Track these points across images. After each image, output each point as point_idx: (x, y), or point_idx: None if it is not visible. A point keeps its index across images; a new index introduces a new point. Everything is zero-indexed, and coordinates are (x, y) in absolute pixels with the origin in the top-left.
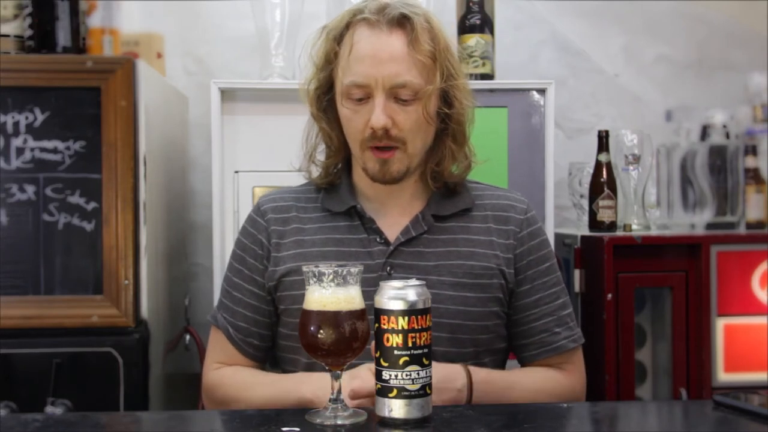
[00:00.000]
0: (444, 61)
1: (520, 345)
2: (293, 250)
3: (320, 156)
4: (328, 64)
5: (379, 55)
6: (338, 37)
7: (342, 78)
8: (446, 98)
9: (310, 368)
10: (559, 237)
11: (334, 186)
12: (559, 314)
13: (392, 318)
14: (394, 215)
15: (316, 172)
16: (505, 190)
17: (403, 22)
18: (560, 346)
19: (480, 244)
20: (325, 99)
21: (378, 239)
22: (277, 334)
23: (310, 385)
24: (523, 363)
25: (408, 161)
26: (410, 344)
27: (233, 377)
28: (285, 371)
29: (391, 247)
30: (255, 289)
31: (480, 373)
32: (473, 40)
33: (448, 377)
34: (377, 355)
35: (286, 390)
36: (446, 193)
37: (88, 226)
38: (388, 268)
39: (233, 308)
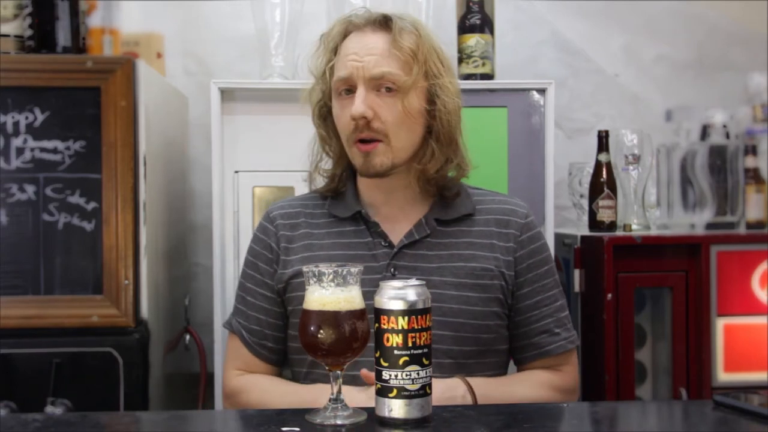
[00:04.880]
0: (427, 61)
1: (521, 346)
2: (302, 253)
3: (324, 166)
4: (326, 74)
5: (360, 51)
6: (334, 48)
7: (332, 80)
8: (431, 97)
9: (314, 367)
10: (559, 237)
11: (339, 193)
12: (558, 316)
13: (392, 318)
14: (398, 220)
15: (321, 182)
16: (506, 195)
17: (386, 23)
18: (560, 346)
19: (481, 247)
20: (325, 108)
21: (383, 242)
22: (287, 335)
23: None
24: (521, 364)
25: (392, 155)
26: (410, 344)
27: (255, 384)
28: (293, 371)
29: (395, 249)
30: (267, 292)
31: (477, 380)
32: (473, 40)
33: (449, 386)
34: (377, 355)
35: (307, 402)
36: (448, 198)
37: (88, 226)
38: (392, 269)
39: (247, 312)
